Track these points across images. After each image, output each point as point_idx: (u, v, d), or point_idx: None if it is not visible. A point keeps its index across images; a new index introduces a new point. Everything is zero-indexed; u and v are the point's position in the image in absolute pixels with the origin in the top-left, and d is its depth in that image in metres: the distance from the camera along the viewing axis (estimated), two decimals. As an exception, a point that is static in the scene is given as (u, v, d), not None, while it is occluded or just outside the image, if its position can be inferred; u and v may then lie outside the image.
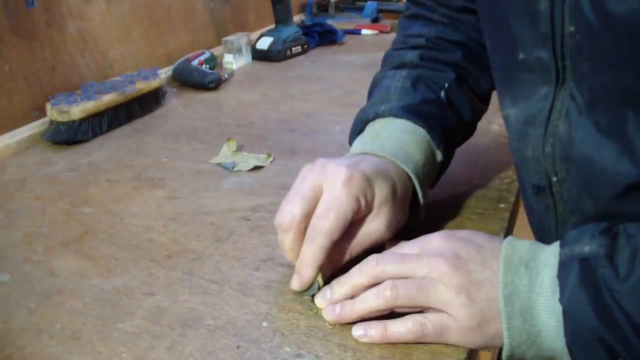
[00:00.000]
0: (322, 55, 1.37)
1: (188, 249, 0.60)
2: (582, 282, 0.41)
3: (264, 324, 0.49)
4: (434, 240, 0.48)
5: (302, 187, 0.51)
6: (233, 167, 0.78)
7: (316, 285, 0.51)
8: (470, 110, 0.66)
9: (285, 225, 0.51)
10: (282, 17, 1.35)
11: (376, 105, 0.62)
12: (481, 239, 0.48)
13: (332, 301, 0.49)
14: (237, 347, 0.46)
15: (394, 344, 0.46)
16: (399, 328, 0.46)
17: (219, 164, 0.80)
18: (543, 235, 0.57)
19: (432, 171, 0.61)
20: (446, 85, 0.63)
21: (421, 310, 0.46)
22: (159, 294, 0.53)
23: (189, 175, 0.77)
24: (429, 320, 0.45)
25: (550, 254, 0.44)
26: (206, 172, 0.78)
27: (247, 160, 0.80)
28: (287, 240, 0.51)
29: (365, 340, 0.46)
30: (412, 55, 0.66)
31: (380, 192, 0.52)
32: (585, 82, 0.46)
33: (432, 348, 0.46)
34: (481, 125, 0.91)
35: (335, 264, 0.52)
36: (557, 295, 0.42)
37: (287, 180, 0.74)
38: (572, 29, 0.45)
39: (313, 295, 0.51)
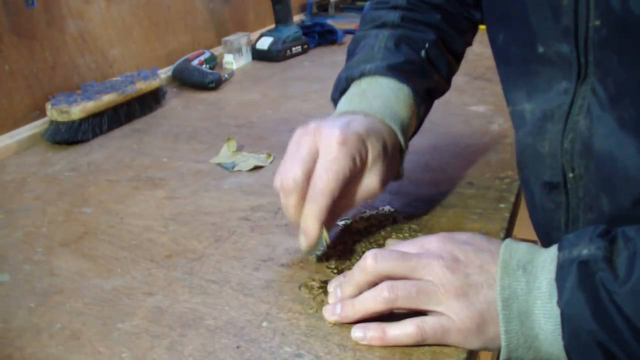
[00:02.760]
0: (322, 55, 1.37)
1: (188, 249, 0.60)
2: (580, 284, 0.41)
3: (264, 324, 0.49)
4: (433, 242, 0.48)
5: (300, 151, 0.54)
6: (233, 167, 0.78)
7: (323, 242, 0.53)
8: (447, 69, 0.68)
9: (288, 188, 0.53)
10: (282, 17, 1.35)
11: (361, 64, 0.63)
12: (480, 242, 0.48)
13: (337, 300, 0.49)
14: (237, 347, 0.46)
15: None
16: (398, 332, 0.46)
17: (219, 164, 0.80)
18: (550, 233, 0.57)
19: (414, 127, 0.64)
20: (426, 45, 0.66)
21: (419, 310, 0.46)
22: (159, 294, 0.53)
23: (189, 175, 0.77)
24: (427, 324, 0.45)
25: (548, 257, 0.44)
26: (206, 172, 0.78)
27: (247, 160, 0.80)
28: (290, 202, 0.53)
29: (364, 342, 0.46)
30: (393, 16, 0.68)
31: (373, 150, 0.55)
32: (610, 76, 0.45)
33: (432, 348, 0.46)
34: (481, 125, 0.91)
35: (335, 219, 0.57)
36: (555, 299, 0.42)
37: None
38: (597, 22, 0.44)
39: (319, 256, 0.55)
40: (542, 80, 0.52)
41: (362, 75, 0.62)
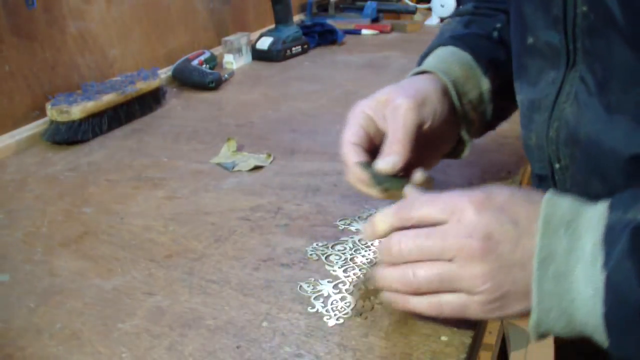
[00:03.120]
0: (322, 55, 1.37)
1: (188, 249, 0.60)
2: (631, 251, 0.37)
3: (264, 324, 0.49)
4: (466, 212, 0.43)
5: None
6: (233, 167, 0.78)
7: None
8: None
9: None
10: (282, 17, 1.35)
11: (430, 45, 0.66)
12: (519, 208, 0.43)
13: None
14: (237, 347, 0.46)
15: (395, 342, 0.46)
16: (417, 304, 0.45)
17: (219, 164, 0.80)
18: None
19: (477, 95, 0.61)
20: (498, 25, 0.65)
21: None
22: (159, 294, 0.53)
23: (189, 175, 0.77)
24: (447, 303, 0.44)
25: (595, 216, 0.41)
26: (206, 172, 0.78)
27: (247, 160, 0.80)
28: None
29: (390, 302, 0.46)
30: (468, 6, 0.70)
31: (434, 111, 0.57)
32: (598, 62, 0.45)
33: (432, 348, 0.46)
34: (481, 125, 0.91)
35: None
36: (600, 263, 0.38)
37: (287, 180, 0.74)
38: (584, 8, 0.44)
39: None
40: (532, 72, 0.52)
41: (429, 50, 0.65)
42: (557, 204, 0.42)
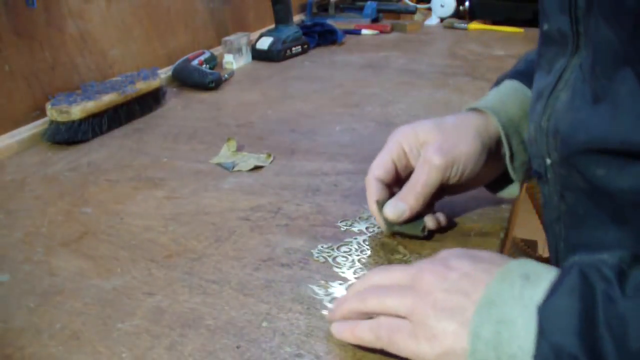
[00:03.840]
0: (322, 55, 1.37)
1: (188, 249, 0.60)
2: (574, 288, 0.35)
3: (264, 324, 0.49)
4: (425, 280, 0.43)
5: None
6: (233, 167, 0.78)
7: (422, 226, 0.59)
8: None
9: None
10: (282, 17, 1.35)
11: (504, 74, 0.65)
12: (487, 255, 0.44)
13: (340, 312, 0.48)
14: (237, 347, 0.46)
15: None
16: (359, 332, 0.45)
17: (219, 164, 0.80)
18: (545, 234, 0.55)
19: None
20: None
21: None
22: (159, 294, 0.53)
23: (189, 175, 0.77)
24: (383, 325, 0.44)
25: (558, 270, 0.39)
26: (206, 172, 0.78)
27: (247, 160, 0.80)
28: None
29: (337, 336, 0.46)
30: None
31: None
32: (591, 45, 0.43)
33: (432, 348, 0.46)
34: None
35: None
36: (539, 302, 0.36)
37: (287, 180, 0.74)
38: None
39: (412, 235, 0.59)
40: (545, 61, 0.51)
41: (498, 82, 0.65)
42: (528, 262, 0.41)
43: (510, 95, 0.61)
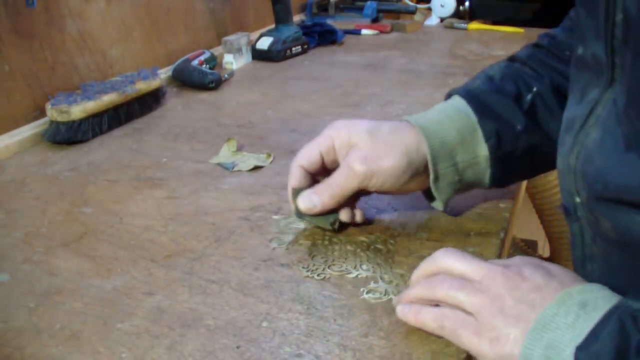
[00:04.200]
0: (322, 55, 1.37)
1: (188, 249, 0.60)
2: (612, 336, 0.37)
3: (264, 324, 0.49)
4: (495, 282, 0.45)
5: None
6: (233, 167, 0.78)
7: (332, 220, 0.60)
8: (556, 129, 0.53)
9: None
10: (282, 17, 1.34)
11: (457, 88, 0.63)
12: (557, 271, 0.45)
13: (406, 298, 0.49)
14: (237, 347, 0.46)
15: (395, 342, 0.46)
16: (424, 318, 0.47)
17: (219, 164, 0.80)
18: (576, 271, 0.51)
19: (469, 159, 0.59)
20: (535, 89, 0.60)
21: None
22: (159, 294, 0.53)
23: (189, 175, 0.77)
24: (448, 320, 0.45)
25: (612, 302, 0.40)
26: (206, 172, 0.78)
27: (247, 160, 0.80)
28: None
29: (402, 318, 0.48)
30: (525, 52, 0.64)
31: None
32: (629, 82, 0.40)
33: (432, 348, 0.46)
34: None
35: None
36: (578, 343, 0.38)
37: (287, 180, 0.74)
38: (620, 16, 0.40)
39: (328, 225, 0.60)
40: (579, 86, 0.47)
41: (449, 95, 0.64)
42: (592, 288, 0.42)
43: (451, 117, 0.59)
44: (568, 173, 0.46)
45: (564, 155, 0.47)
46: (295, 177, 0.61)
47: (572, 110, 0.48)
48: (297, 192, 0.60)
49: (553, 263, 0.46)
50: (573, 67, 0.49)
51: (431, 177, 0.58)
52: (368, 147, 0.58)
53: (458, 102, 0.60)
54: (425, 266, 0.49)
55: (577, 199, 0.46)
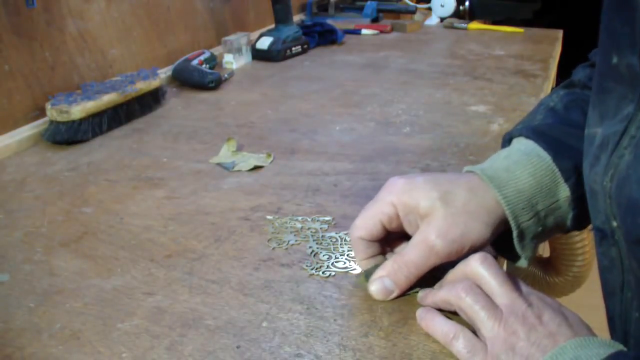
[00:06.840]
0: (322, 55, 1.37)
1: (188, 249, 0.60)
2: None
3: (264, 324, 0.49)
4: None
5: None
6: (233, 167, 0.78)
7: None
8: None
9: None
10: (282, 17, 1.35)
11: (518, 125, 0.57)
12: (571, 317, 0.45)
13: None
14: (237, 347, 0.46)
15: (395, 342, 0.46)
16: (437, 327, 0.47)
17: (219, 164, 0.80)
18: (607, 300, 0.49)
19: (549, 204, 0.52)
20: None
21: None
22: (159, 294, 0.53)
23: (189, 175, 0.77)
24: (461, 340, 0.46)
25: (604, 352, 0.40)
26: (206, 172, 0.78)
27: (247, 160, 0.80)
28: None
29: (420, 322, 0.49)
30: (582, 73, 0.60)
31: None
32: None
33: (432, 348, 0.46)
34: (481, 125, 0.91)
35: None
36: None
37: (287, 180, 0.74)
38: None
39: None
40: (612, 100, 0.43)
41: (512, 136, 0.56)
42: (591, 342, 0.42)
43: (520, 162, 0.52)
44: (603, 196, 0.43)
45: (599, 175, 0.43)
46: (359, 252, 0.53)
47: (608, 127, 0.44)
48: (367, 274, 0.53)
49: (572, 311, 0.46)
50: (602, 77, 0.45)
51: (514, 234, 0.51)
52: (445, 220, 0.49)
53: (524, 144, 0.54)
54: (461, 268, 0.49)
55: (614, 223, 0.43)
